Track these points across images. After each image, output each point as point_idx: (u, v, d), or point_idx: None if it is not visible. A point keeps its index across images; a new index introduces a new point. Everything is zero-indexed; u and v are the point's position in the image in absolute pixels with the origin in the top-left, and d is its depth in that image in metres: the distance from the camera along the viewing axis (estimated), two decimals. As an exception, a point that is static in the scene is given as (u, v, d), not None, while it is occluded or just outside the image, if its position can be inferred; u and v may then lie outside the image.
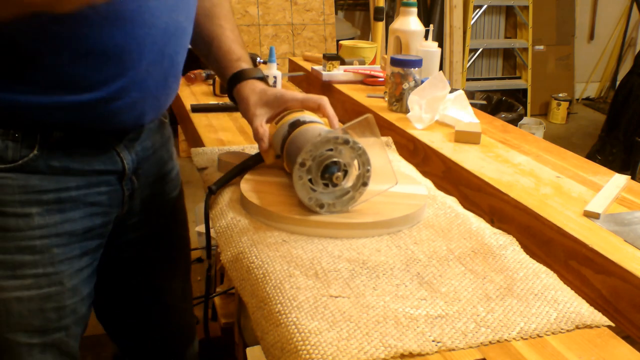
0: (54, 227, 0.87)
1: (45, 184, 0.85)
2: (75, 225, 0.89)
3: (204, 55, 1.09)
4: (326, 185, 0.83)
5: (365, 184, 0.84)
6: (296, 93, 0.99)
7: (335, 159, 0.82)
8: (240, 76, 1.01)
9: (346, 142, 0.82)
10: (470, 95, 3.02)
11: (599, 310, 0.71)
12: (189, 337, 1.26)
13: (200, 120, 1.46)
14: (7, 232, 0.84)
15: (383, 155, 0.88)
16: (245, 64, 1.02)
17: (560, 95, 4.97)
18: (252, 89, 0.99)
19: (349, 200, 0.85)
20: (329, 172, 0.82)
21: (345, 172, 0.83)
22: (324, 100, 0.96)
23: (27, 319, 0.87)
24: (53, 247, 0.87)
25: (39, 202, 0.85)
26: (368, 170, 0.83)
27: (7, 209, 0.83)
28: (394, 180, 0.88)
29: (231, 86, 1.02)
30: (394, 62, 1.39)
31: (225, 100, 1.56)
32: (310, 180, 0.83)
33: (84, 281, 0.94)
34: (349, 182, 0.84)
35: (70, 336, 0.93)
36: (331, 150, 0.82)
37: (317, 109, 0.96)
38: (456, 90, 1.40)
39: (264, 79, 1.02)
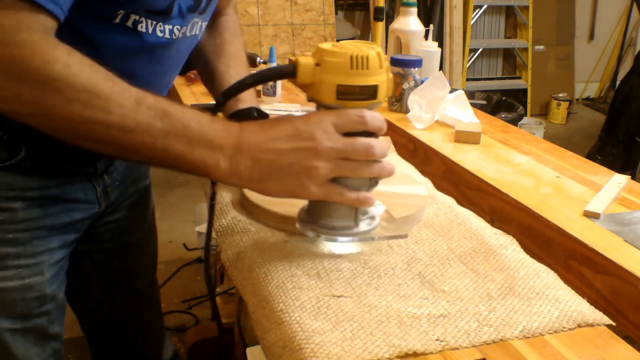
0: (36, 220, 0.91)
1: (30, 182, 0.89)
2: (55, 219, 0.94)
3: (206, 83, 1.14)
4: None
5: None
6: None
7: None
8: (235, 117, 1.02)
9: None
10: (470, 95, 3.02)
11: (599, 310, 0.72)
12: (159, 329, 1.30)
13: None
14: None
15: None
16: (242, 104, 1.04)
17: (560, 95, 4.97)
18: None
19: None
20: None
21: None
22: None
23: (10, 307, 0.91)
24: (34, 240, 0.91)
25: (23, 197, 0.89)
26: None
27: None
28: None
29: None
30: (394, 62, 1.40)
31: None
32: None
33: (61, 270, 0.99)
34: None
35: (51, 320, 0.98)
36: None
37: None
38: (456, 90, 1.40)
39: (258, 117, 1.03)
